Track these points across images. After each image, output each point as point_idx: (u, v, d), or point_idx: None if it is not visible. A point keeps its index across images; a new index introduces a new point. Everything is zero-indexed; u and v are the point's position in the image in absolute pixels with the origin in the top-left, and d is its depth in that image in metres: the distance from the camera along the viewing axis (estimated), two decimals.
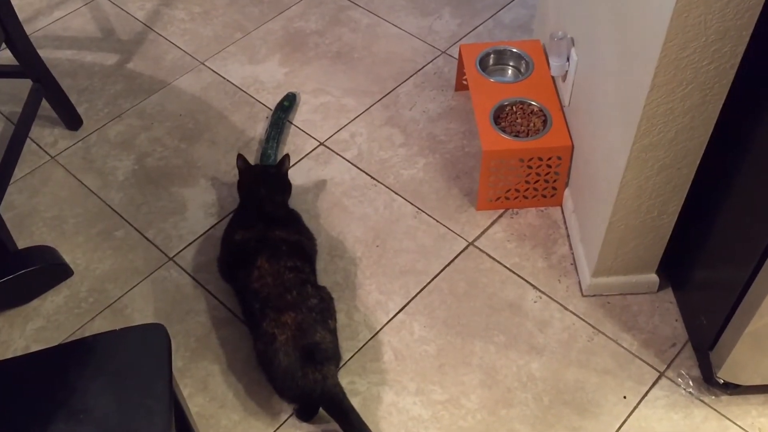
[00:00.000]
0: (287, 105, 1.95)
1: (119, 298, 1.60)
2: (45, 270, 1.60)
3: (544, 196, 1.72)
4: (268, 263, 1.46)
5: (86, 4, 2.26)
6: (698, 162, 1.31)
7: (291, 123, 1.93)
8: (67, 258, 1.65)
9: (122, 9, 2.24)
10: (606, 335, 1.52)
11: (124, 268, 1.65)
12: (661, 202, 1.38)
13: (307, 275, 1.49)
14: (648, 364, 1.48)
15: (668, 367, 1.47)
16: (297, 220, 1.66)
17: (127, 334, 1.08)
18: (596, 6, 1.45)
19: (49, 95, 1.84)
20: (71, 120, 1.91)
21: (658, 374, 1.46)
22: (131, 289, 1.62)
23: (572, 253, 1.65)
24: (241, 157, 1.65)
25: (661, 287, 1.57)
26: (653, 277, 1.56)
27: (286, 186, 1.67)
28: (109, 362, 1.04)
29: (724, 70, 1.16)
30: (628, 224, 1.42)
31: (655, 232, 1.45)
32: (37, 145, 1.90)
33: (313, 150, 1.88)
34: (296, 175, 1.81)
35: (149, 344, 1.06)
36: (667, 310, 1.55)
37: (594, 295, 1.58)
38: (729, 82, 1.18)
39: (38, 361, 1.09)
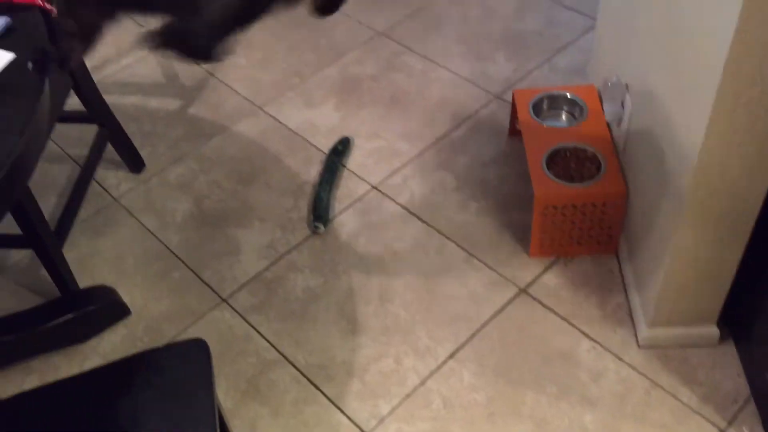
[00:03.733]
0: (341, 149, 1.98)
1: (173, 337, 1.63)
2: (104, 309, 1.65)
3: (599, 243, 1.69)
4: None
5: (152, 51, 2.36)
6: (759, 209, 1.27)
7: (344, 167, 1.96)
8: (126, 297, 1.70)
9: None
10: (663, 389, 1.47)
11: (179, 308, 1.69)
12: (720, 251, 1.34)
13: None
14: (708, 420, 1.41)
15: (730, 424, 1.41)
16: None
17: (171, 350, 1.11)
18: (650, 53, 1.43)
19: (114, 139, 1.92)
20: (134, 163, 1.99)
21: None
22: (185, 329, 1.65)
23: (628, 303, 1.61)
24: None
25: (722, 340, 1.51)
26: (713, 330, 1.50)
27: None
28: (155, 377, 1.07)
29: None
30: (685, 274, 1.38)
31: (715, 283, 1.40)
32: (102, 186, 1.97)
33: (365, 194, 1.89)
34: (348, 219, 1.83)
35: (192, 359, 1.08)
36: (728, 364, 1.49)
37: (651, 347, 1.53)
38: None
39: (88, 381, 1.13)
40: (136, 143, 1.99)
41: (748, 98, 1.10)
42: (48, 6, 1.19)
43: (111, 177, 1.99)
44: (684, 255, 1.35)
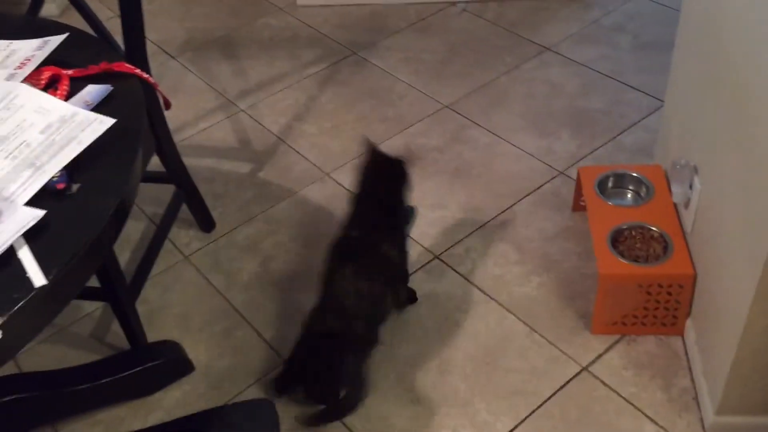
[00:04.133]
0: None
1: (234, 396, 1.66)
2: (170, 364, 1.69)
3: (664, 324, 1.67)
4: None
5: (228, 117, 2.47)
6: None
7: (408, 236, 1.99)
8: (190, 354, 1.74)
9: (259, 123, 2.43)
10: None
11: (241, 368, 1.72)
12: None
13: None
14: None
15: None
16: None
17: (239, 409, 1.13)
18: (720, 135, 1.44)
19: (189, 200, 2.00)
20: (206, 223, 2.06)
21: None
22: (246, 389, 1.67)
23: (694, 387, 1.57)
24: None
25: None
26: None
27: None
28: None
29: None
30: (755, 362, 1.35)
31: None
32: (173, 244, 2.04)
33: (427, 263, 1.92)
34: (410, 287, 1.85)
35: (259, 418, 1.10)
36: None
37: None
38: None
39: None
40: (208, 203, 2.07)
41: None
42: (146, 76, 1.27)
43: (183, 236, 2.07)
44: (753, 342, 1.32)
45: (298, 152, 2.30)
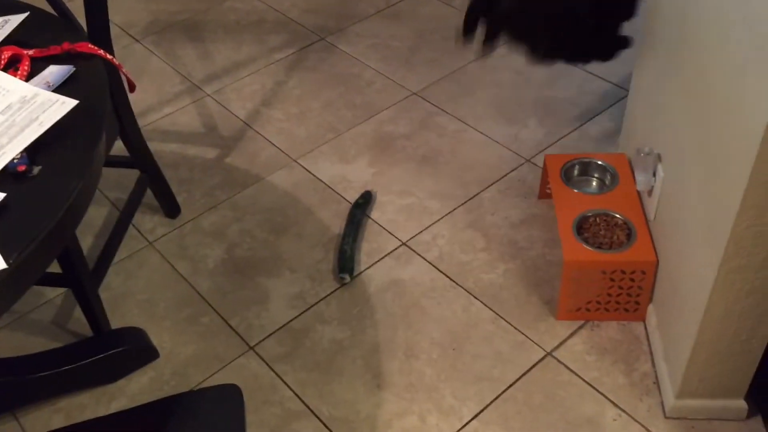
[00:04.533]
0: (361, 202, 2.02)
1: (200, 383, 1.65)
2: (134, 351, 1.67)
3: (627, 310, 1.69)
4: None
5: (194, 102, 2.43)
6: None
7: (375, 221, 1.99)
8: (155, 340, 1.72)
9: (226, 108, 2.40)
10: None
11: (207, 354, 1.70)
12: (749, 326, 1.34)
13: None
14: None
15: None
16: None
17: (204, 394, 1.12)
18: (683, 124, 1.46)
19: (153, 185, 1.97)
20: (170, 209, 2.03)
21: None
22: (211, 375, 1.66)
23: (655, 372, 1.60)
24: None
25: (750, 414, 1.50)
26: (741, 404, 1.49)
27: None
28: (188, 420, 1.08)
29: None
30: (714, 347, 1.38)
31: (744, 357, 1.40)
32: (137, 230, 2.01)
33: (394, 249, 1.92)
34: (376, 274, 1.85)
35: (225, 404, 1.10)
36: None
37: (678, 418, 1.52)
38: None
39: (119, 421, 1.14)
40: (173, 189, 2.04)
41: None
42: (109, 57, 1.25)
43: (147, 221, 2.04)
44: (713, 327, 1.35)
45: (265, 138, 2.28)
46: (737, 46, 1.18)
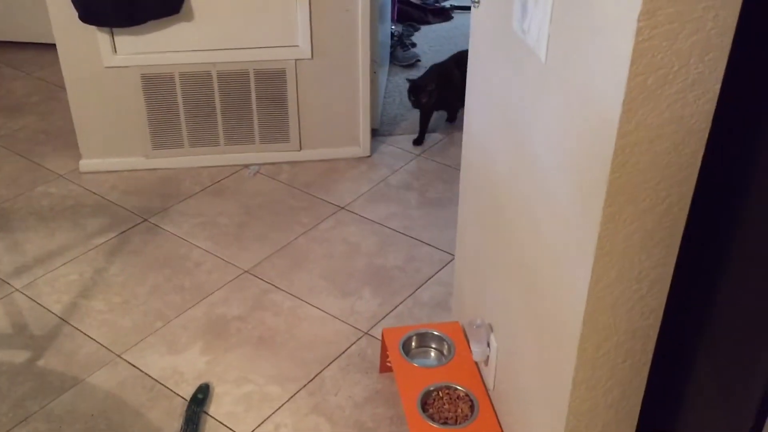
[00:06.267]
0: (201, 397, 1.88)
1: None
2: None
3: None
4: None
5: (0, 298, 2.21)
6: None
7: (209, 416, 1.85)
8: None
9: (37, 302, 2.20)
10: None
11: None
12: None
13: None
14: None
15: None
16: None
17: None
18: (510, 295, 1.52)
19: None
20: None
21: None
22: None
23: None
24: None
25: None
26: None
27: None
28: None
29: (637, 368, 1.20)
30: None
31: None
32: None
33: None
34: None
35: None
36: None
37: None
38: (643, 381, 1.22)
39: None
40: None
41: (606, 349, 1.17)
42: None
43: None
44: None
45: (83, 333, 2.10)
46: (551, 237, 1.26)
